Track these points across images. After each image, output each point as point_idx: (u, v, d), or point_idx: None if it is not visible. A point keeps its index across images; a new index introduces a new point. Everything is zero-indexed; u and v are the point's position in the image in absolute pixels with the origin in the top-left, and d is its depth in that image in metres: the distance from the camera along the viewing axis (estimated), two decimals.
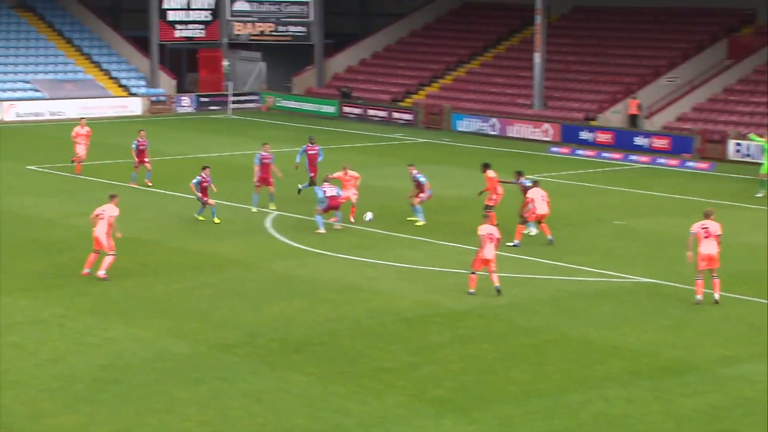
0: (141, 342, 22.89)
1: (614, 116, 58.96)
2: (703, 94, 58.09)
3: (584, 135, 56.61)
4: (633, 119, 58.52)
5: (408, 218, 34.96)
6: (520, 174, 34.17)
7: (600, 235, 34.39)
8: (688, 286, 28.05)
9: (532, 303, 26.32)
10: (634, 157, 52.10)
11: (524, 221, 32.58)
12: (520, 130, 58.89)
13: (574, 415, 19.19)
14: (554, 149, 54.75)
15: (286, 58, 72.15)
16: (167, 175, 42.69)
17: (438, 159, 49.65)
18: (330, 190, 33.46)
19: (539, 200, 32.28)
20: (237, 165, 45.49)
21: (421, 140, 57.64)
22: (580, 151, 54.06)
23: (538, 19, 60.30)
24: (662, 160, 51.10)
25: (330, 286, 27.57)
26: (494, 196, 34.40)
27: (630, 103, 58.86)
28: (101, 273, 27.71)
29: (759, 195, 41.58)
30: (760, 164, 43.07)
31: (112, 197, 28.48)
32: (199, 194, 35.14)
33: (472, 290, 26.89)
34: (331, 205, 33.66)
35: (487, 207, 33.96)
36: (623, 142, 55.07)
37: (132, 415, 18.96)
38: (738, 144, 51.69)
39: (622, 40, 64.19)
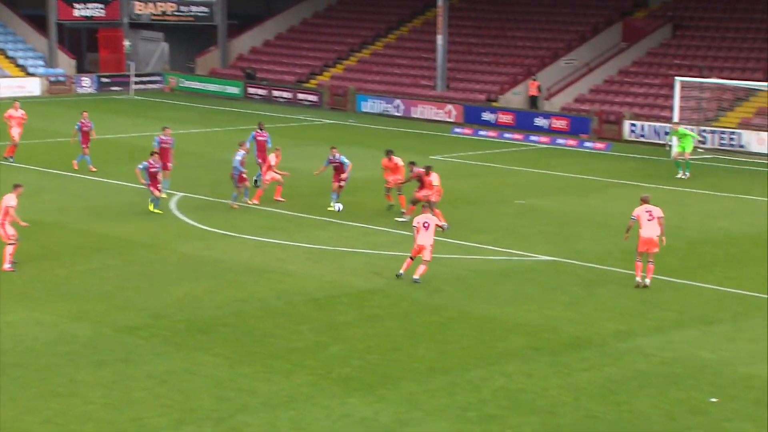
0: (42, 326, 22.61)
1: (515, 97, 59.55)
2: (600, 76, 58.93)
3: (486, 116, 57.08)
4: (533, 100, 59.16)
5: (329, 208, 34.37)
6: (413, 164, 34.09)
7: (502, 214, 34.77)
8: (587, 264, 28.55)
9: (436, 282, 26.54)
10: (534, 138, 52.69)
11: (415, 201, 32.67)
12: (423, 111, 59.17)
13: (476, 390, 19.45)
14: (457, 130, 55.12)
15: (189, 39, 71.49)
16: (68, 156, 42.02)
17: (343, 140, 49.64)
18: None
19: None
20: (139, 146, 45.01)
21: (326, 121, 57.63)
22: (482, 132, 54.51)
23: (440, 2, 60.59)
24: (561, 141, 51.78)
25: (237, 268, 27.48)
26: (393, 178, 34.42)
27: (530, 85, 59.49)
28: (6, 266, 27.04)
29: (680, 176, 42.11)
30: (669, 146, 43.63)
31: (15, 187, 27.78)
32: (147, 182, 33.19)
33: (400, 272, 26.65)
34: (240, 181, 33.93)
35: (389, 189, 34.20)
36: (524, 123, 55.65)
37: (33, 398, 18.74)
38: (633, 124, 52.54)
39: (522, 23, 64.78)
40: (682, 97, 48.41)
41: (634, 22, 61.59)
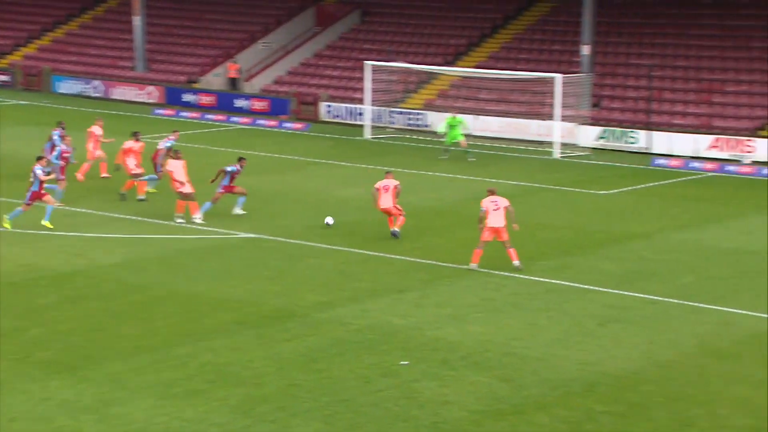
0: None
1: (216, 79, 59.38)
2: (296, 58, 59.63)
3: (187, 97, 56.67)
4: (233, 82, 59.17)
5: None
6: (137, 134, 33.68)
7: (205, 194, 34.68)
8: (288, 239, 29.03)
9: (140, 261, 26.30)
10: (235, 119, 52.79)
11: (138, 176, 32.39)
12: (124, 92, 58.09)
13: (183, 366, 19.47)
14: (159, 111, 54.45)
15: None
16: None
17: (39, 121, 48.06)
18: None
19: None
20: None
21: (20, 102, 55.51)
22: (184, 113, 54.09)
23: None
24: (262, 122, 52.13)
25: None
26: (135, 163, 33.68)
27: (229, 67, 59.44)
28: None
29: (443, 157, 42.78)
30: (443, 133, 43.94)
31: None
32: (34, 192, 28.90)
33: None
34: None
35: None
36: (225, 104, 55.65)
37: None
38: (329, 106, 53.53)
39: (219, 6, 64.50)
40: (372, 80, 49.78)
41: (325, 8, 62.61)
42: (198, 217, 30.60)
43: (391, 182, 29.53)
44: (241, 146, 44.77)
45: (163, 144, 35.16)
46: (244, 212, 31.70)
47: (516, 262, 26.22)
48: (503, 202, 26.40)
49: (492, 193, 26.61)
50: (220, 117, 53.03)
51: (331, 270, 26.33)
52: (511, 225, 26.35)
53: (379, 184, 29.64)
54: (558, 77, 45.24)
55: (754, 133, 45.45)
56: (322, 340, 21.00)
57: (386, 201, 29.32)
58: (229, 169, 31.41)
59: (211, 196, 31.42)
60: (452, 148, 42.96)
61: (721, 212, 34.16)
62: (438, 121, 50.71)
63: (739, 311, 23.20)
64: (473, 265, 26.23)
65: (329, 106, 53.47)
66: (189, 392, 18.29)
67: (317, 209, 32.92)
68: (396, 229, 29.58)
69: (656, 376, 19.31)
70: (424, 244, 29.07)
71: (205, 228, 30.10)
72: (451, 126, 43.16)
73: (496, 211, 26.15)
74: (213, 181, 31.59)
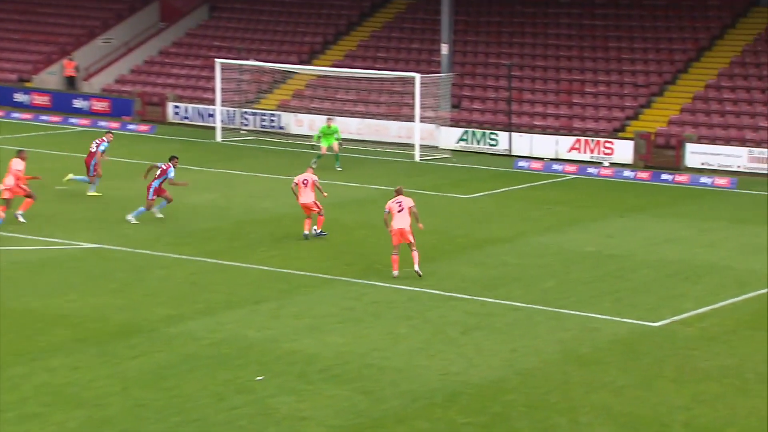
0: None
1: (51, 78, 58.08)
2: (140, 56, 58.82)
3: (19, 97, 55.31)
4: (70, 81, 57.96)
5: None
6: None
7: (44, 201, 33.96)
8: (134, 249, 28.61)
9: None
10: (74, 120, 51.78)
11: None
12: None
13: (15, 389, 18.79)
14: None
15: None
16: None
17: None
18: None
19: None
20: None
21: None
22: (16, 114, 52.80)
23: None
24: (103, 123, 51.16)
25: None
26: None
27: (66, 64, 58.19)
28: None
29: (338, 168, 41.99)
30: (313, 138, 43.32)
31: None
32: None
33: None
34: None
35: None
36: (62, 104, 54.51)
37: None
38: (177, 106, 52.99)
39: None
40: (223, 79, 49.49)
41: (171, 2, 61.88)
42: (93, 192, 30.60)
43: (310, 176, 30.11)
44: (80, 150, 43.92)
45: (96, 145, 35.01)
46: (163, 216, 31.82)
47: (416, 268, 26.32)
48: (408, 202, 26.49)
49: (399, 193, 26.66)
50: (56, 118, 51.94)
51: (181, 281, 26.06)
52: (417, 225, 26.52)
53: (298, 179, 30.12)
54: (417, 77, 45.70)
55: (613, 134, 46.69)
56: (172, 357, 20.72)
57: (307, 196, 29.87)
58: (160, 164, 31.43)
59: (145, 201, 31.13)
60: (326, 153, 42.37)
61: (582, 215, 34.96)
62: (292, 123, 50.69)
63: (601, 316, 23.77)
64: (394, 273, 26.26)
65: (177, 106, 52.94)
66: (22, 417, 17.72)
67: (166, 216, 32.53)
68: (316, 229, 30.09)
69: (519, 384, 19.64)
70: (282, 252, 29.02)
71: (40, 239, 29.41)
72: (326, 135, 42.40)
73: (400, 213, 26.25)
74: (145, 177, 31.79)
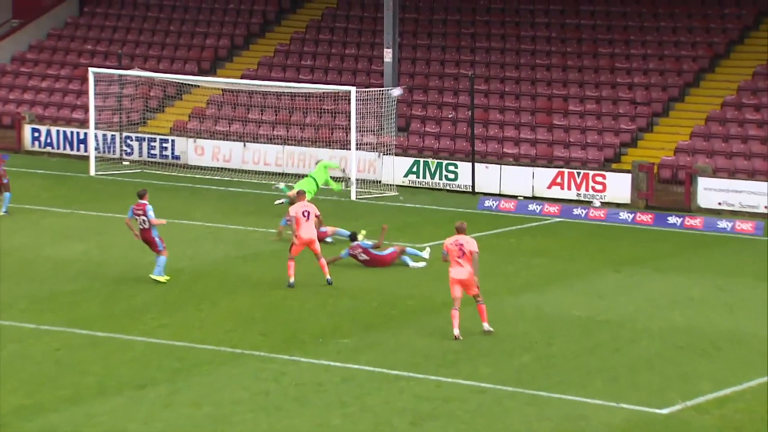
0: None
1: None
2: None
3: None
4: None
5: None
6: None
7: None
8: None
9: None
10: None
11: None
12: None
13: None
14: None
15: None
16: None
17: None
18: None
19: None
20: None
21: None
22: None
23: None
24: None
25: None
26: None
27: None
28: None
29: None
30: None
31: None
32: None
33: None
34: None
35: None
36: None
37: None
38: (36, 130, 52.61)
39: None
40: (98, 94, 49.32)
41: None
42: None
43: (311, 207, 31.29)
44: None
45: None
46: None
47: (486, 326, 27.63)
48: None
49: (460, 231, 27.42)
50: None
51: (40, 360, 25.76)
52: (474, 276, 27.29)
53: (296, 210, 31.15)
54: (353, 91, 45.83)
55: (605, 165, 47.03)
56: None
57: (309, 230, 31.06)
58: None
59: None
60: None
61: (567, 270, 35.04)
62: (190, 150, 50.55)
63: (591, 401, 23.75)
64: (455, 333, 27.22)
65: (36, 130, 52.63)
66: None
67: (20, 274, 32.23)
68: (328, 278, 31.75)
69: None
70: (175, 319, 28.85)
71: None
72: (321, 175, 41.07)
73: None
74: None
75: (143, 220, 31.95)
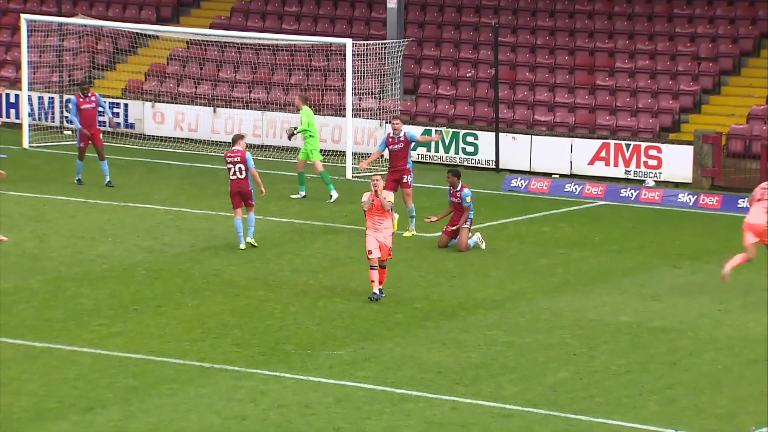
0: None
1: None
2: None
3: None
4: None
5: None
6: None
7: None
8: None
9: None
10: None
11: None
12: None
13: None
14: None
15: None
16: None
17: None
18: None
19: None
20: None
21: None
22: None
23: None
24: None
25: None
26: None
27: None
28: None
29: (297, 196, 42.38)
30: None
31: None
32: None
33: None
34: None
35: None
36: None
37: None
38: None
39: None
40: (32, 47, 49.27)
41: None
42: None
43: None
44: None
45: None
46: None
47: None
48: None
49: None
50: None
51: None
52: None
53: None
54: (349, 44, 45.80)
55: (661, 136, 47.03)
56: None
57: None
58: None
59: None
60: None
61: (613, 265, 35.10)
62: (147, 117, 50.61)
63: (641, 426, 23.83)
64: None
65: None
66: None
67: None
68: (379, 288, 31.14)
69: None
70: (130, 326, 28.95)
71: None
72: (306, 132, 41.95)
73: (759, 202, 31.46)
74: None
75: (240, 168, 34.63)
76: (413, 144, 37.55)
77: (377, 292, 30.69)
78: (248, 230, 35.24)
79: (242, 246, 35.00)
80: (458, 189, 35.86)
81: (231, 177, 34.99)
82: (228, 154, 35.03)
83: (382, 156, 38.77)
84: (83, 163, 42.54)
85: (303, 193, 41.95)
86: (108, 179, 42.24)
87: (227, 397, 24.89)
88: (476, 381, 25.96)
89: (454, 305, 30.88)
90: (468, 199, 35.78)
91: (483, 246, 36.03)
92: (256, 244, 35.16)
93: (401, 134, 36.98)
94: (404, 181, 36.89)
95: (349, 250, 35.45)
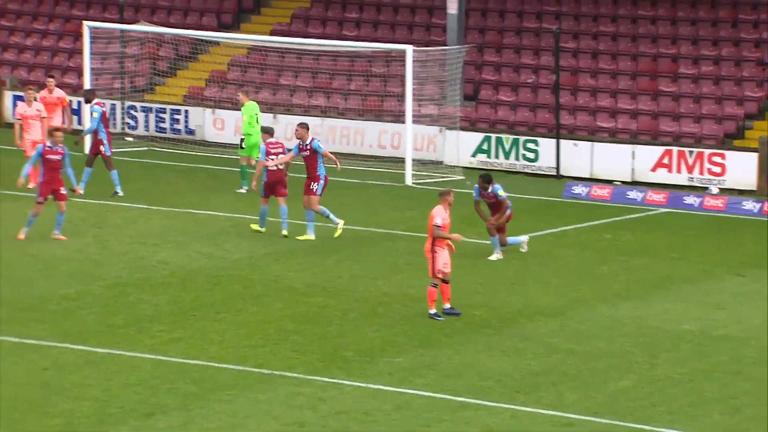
0: None
1: None
2: None
3: None
4: None
5: None
6: None
7: None
8: None
9: None
10: None
11: None
12: None
13: None
14: None
15: None
16: None
17: None
18: None
19: None
20: None
21: None
22: None
23: None
24: None
25: None
26: None
27: None
28: None
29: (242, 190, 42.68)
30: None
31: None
32: None
33: None
34: None
35: None
36: None
37: None
38: (19, 97, 52.83)
39: None
40: (94, 54, 49.45)
41: None
42: None
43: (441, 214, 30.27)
44: None
45: None
46: None
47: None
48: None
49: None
50: None
51: (25, 381, 25.81)
52: None
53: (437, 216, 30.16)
54: (409, 50, 45.82)
55: (725, 142, 46.85)
56: None
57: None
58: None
59: None
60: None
61: (675, 273, 35.00)
62: (208, 123, 50.76)
63: None
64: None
65: (19, 97, 52.72)
66: None
67: (0, 276, 32.45)
68: (447, 306, 30.64)
69: None
70: (190, 332, 29.02)
71: None
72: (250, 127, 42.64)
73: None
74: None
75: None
76: (319, 154, 37.09)
77: (448, 308, 30.64)
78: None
79: (261, 229, 37.26)
80: (489, 191, 35.80)
81: (270, 168, 36.61)
82: (268, 146, 36.97)
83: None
84: (92, 169, 42.30)
85: (245, 188, 42.72)
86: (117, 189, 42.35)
87: (286, 403, 24.95)
88: (536, 389, 25.95)
89: (514, 312, 30.88)
90: (500, 192, 35.73)
91: (523, 249, 36.09)
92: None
93: (307, 142, 36.92)
94: (311, 187, 36.85)
95: (408, 256, 35.49)
